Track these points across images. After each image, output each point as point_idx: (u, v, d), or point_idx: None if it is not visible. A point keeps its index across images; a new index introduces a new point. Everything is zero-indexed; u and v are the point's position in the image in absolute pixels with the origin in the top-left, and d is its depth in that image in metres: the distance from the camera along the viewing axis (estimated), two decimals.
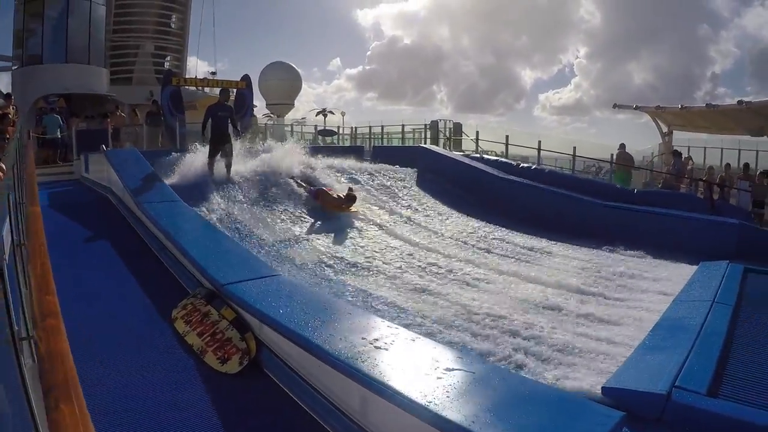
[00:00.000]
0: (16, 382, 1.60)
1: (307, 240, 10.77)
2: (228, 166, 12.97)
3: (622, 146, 19.11)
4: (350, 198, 12.81)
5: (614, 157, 19.22)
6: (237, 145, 13.79)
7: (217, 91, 18.68)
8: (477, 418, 3.18)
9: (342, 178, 15.31)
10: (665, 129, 26.00)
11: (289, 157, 14.62)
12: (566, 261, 11.30)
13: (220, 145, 12.85)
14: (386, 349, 4.09)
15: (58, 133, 18.93)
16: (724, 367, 5.66)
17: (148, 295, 6.63)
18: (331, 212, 12.50)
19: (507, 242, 12.70)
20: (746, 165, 18.79)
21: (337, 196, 12.91)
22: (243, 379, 4.82)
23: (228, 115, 13.05)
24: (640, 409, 4.85)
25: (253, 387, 4.72)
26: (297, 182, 13.63)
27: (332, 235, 11.35)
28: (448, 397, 3.41)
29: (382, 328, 4.55)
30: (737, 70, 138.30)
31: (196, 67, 40.99)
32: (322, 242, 10.83)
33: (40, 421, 1.72)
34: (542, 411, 3.35)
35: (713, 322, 6.71)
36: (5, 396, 1.54)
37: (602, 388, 5.16)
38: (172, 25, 37.60)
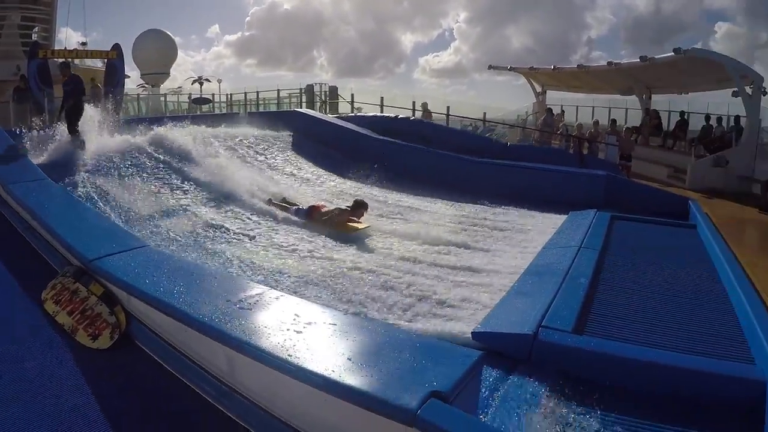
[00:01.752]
0: None
1: (182, 210, 10.44)
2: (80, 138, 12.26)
3: None
4: (359, 205, 10.60)
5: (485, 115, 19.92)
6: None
7: (87, 62, 17.91)
8: (337, 367, 3.25)
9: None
10: (539, 89, 26.90)
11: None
12: (442, 217, 11.61)
13: (74, 118, 12.20)
14: (250, 309, 4.09)
15: None
16: (589, 307, 6.00)
17: (16, 278, 6.30)
18: (337, 230, 10.07)
19: (382, 201, 12.95)
20: (613, 121, 19.98)
21: (341, 208, 10.66)
22: (115, 354, 4.72)
23: (72, 88, 12.38)
24: (509, 350, 5.08)
25: (125, 360, 4.63)
26: (275, 204, 11.43)
27: (207, 203, 11.08)
28: (308, 349, 3.46)
29: (247, 289, 4.55)
30: (612, 36, 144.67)
31: (68, 38, 39.00)
32: (198, 211, 10.56)
33: None
34: (402, 356, 3.44)
35: (579, 266, 7.08)
36: None
37: (472, 333, 5.35)
38: None
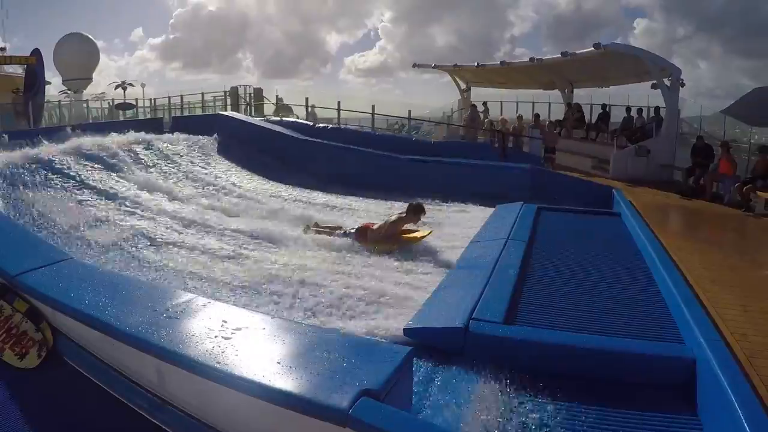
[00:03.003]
0: None
1: (108, 220, 10.22)
2: None
3: None
4: (417, 209, 9.48)
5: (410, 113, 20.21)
6: None
7: (6, 68, 17.32)
8: (266, 371, 3.26)
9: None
10: (463, 86, 27.23)
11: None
12: (368, 215, 11.70)
13: None
14: (177, 318, 4.04)
15: None
16: (519, 298, 6.15)
17: None
18: (395, 247, 9.05)
19: (308, 202, 13.11)
20: (536, 115, 20.55)
21: (393, 220, 9.40)
22: (43, 371, 4.60)
23: None
24: (442, 344, 5.18)
25: (53, 377, 4.52)
26: (315, 229, 10.16)
27: (132, 212, 10.82)
28: (237, 355, 3.45)
29: (174, 297, 4.48)
30: (534, 33, 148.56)
31: None
32: (122, 221, 10.28)
33: None
34: (332, 356, 3.48)
35: (508, 258, 7.24)
36: None
37: (403, 329, 5.42)
38: None
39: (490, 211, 10.82)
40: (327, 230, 9.99)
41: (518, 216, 9.65)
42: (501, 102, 25.52)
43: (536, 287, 6.50)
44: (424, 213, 9.61)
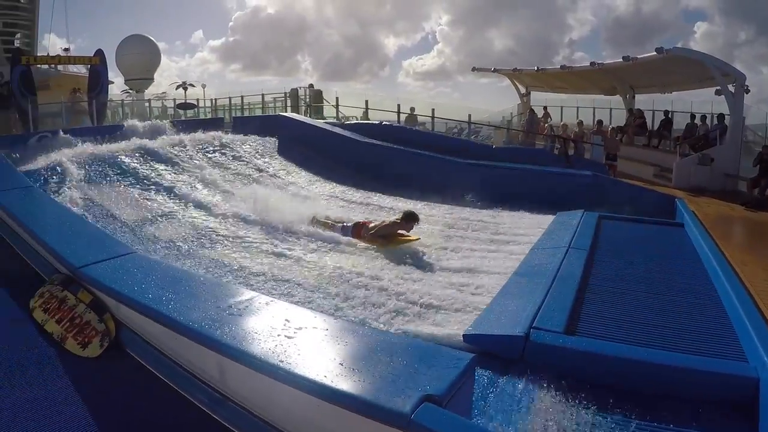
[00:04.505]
0: None
1: (171, 217, 10.45)
2: None
3: None
4: (410, 217, 9.87)
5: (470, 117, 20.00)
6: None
7: (71, 68, 17.82)
8: (329, 372, 3.23)
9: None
10: (523, 90, 26.91)
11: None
12: (431, 218, 11.62)
13: None
14: (240, 315, 4.05)
15: None
16: (580, 307, 6.02)
17: (3, 286, 6.27)
18: (386, 247, 9.51)
19: (370, 204, 13.06)
20: (600, 122, 20.09)
21: (388, 222, 10.00)
22: (105, 361, 4.66)
23: None
24: (501, 352, 5.10)
25: (115, 368, 4.58)
26: (319, 222, 10.76)
27: (196, 209, 11.07)
28: (300, 355, 3.43)
29: (237, 295, 4.51)
30: (593, 37, 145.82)
31: (52, 44, 38.86)
32: (183, 217, 10.54)
33: None
34: (395, 360, 3.43)
35: (569, 267, 7.10)
36: None
37: (463, 335, 5.37)
38: (21, 0, 35.16)
39: (550, 218, 10.65)
40: (330, 223, 10.63)
41: (579, 224, 9.48)
42: (561, 107, 25.04)
43: (597, 297, 6.35)
44: (418, 221, 9.95)
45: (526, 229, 10.48)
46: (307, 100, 25.47)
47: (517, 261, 7.96)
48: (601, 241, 8.70)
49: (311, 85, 25.85)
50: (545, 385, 4.57)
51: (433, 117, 20.44)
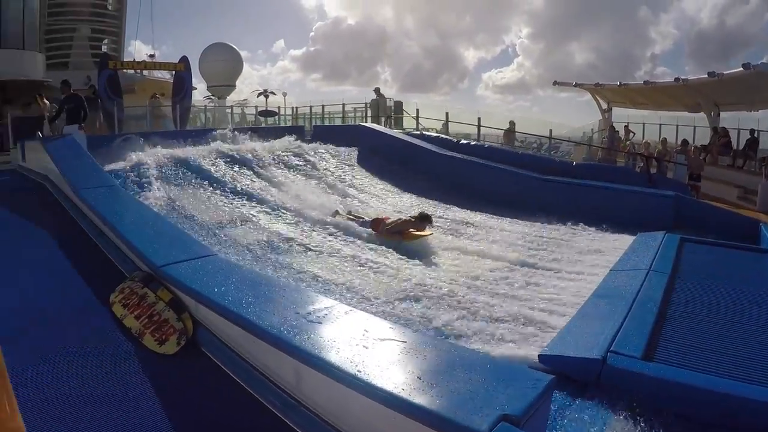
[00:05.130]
0: None
1: (248, 221, 10.69)
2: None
3: None
4: (424, 218, 10.85)
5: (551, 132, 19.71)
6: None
7: (156, 73, 18.41)
8: (407, 385, 3.20)
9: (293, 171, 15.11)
10: (605, 106, 26.48)
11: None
12: (506, 234, 11.51)
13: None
14: (319, 323, 4.07)
15: None
16: (659, 333, 5.80)
17: (86, 280, 6.50)
18: (402, 241, 10.33)
19: (447, 217, 12.94)
20: (684, 141, 19.37)
21: (404, 219, 10.92)
22: (181, 359, 4.77)
23: (76, 105, 13.40)
24: (577, 374, 4.96)
25: (190, 366, 4.68)
26: (342, 215, 11.83)
27: (273, 214, 11.29)
28: (378, 366, 3.41)
29: (316, 302, 4.54)
30: (676, 51, 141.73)
31: (137, 50, 40.30)
32: (264, 222, 10.78)
33: None
34: (473, 377, 3.37)
35: (649, 290, 6.88)
36: None
37: (539, 355, 5.25)
38: (109, 8, 36.67)
39: (630, 238, 10.37)
40: (353, 218, 11.60)
41: (660, 246, 9.18)
42: (643, 123, 24.33)
43: (678, 323, 6.12)
44: (431, 223, 10.97)
45: (605, 249, 10.24)
46: (388, 111, 25.41)
47: (596, 282, 7.79)
48: (683, 265, 8.40)
49: (377, 89, 25.93)
50: (620, 411, 4.42)
51: (513, 131, 20.26)
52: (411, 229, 10.51)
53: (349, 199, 13.73)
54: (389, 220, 10.94)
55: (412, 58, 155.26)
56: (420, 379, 3.29)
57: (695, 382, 4.70)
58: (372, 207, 13.41)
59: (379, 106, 24.83)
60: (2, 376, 2.17)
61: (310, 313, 4.22)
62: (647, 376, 4.79)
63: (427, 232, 10.58)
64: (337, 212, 11.90)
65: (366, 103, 26.08)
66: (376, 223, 10.87)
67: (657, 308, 6.29)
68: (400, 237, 10.36)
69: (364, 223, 11.10)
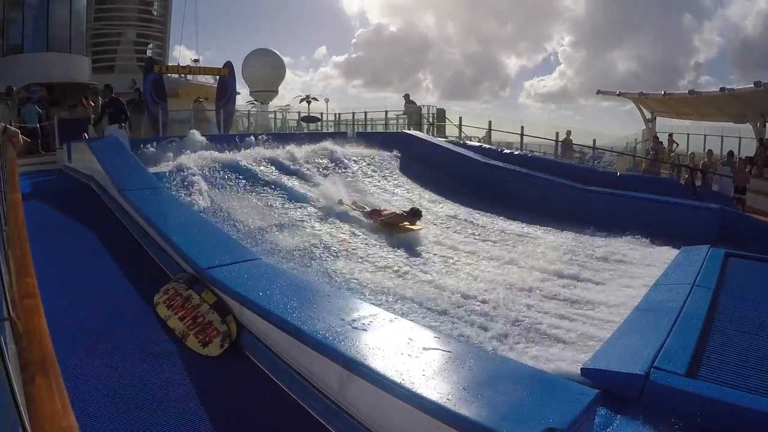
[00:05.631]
0: None
1: (292, 225, 10.82)
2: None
3: None
4: (414, 213, 11.79)
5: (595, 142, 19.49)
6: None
7: (200, 78, 18.68)
8: (452, 395, 3.21)
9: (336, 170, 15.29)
10: (648, 115, 26.12)
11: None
12: (549, 245, 11.41)
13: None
14: (365, 330, 4.10)
15: (38, 122, 18.61)
16: (703, 349, 5.70)
17: (130, 281, 6.59)
18: (395, 234, 11.29)
19: (490, 227, 12.87)
20: (730, 152, 18.96)
21: (397, 213, 12.05)
22: (224, 362, 4.81)
23: (117, 109, 13.74)
24: (619, 390, 4.90)
25: (233, 369, 4.72)
26: (346, 204, 12.74)
27: (317, 220, 11.43)
28: (423, 375, 3.43)
29: (361, 309, 4.58)
30: (720, 59, 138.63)
31: (181, 55, 40.83)
32: (308, 227, 10.90)
33: (19, 396, 1.72)
34: (518, 389, 3.37)
35: (693, 305, 6.76)
36: None
37: (581, 368, 5.20)
38: (154, 13, 37.56)
39: (674, 252, 10.21)
40: (356, 208, 12.54)
41: (705, 260, 9.00)
42: (687, 134, 23.78)
43: (723, 340, 6.00)
44: (420, 217, 11.82)
45: (648, 262, 10.11)
46: (430, 119, 25.35)
47: (639, 295, 7.69)
48: (728, 280, 8.24)
49: (407, 95, 25.90)
50: (662, 427, 4.36)
51: (557, 141, 20.09)
52: (403, 223, 11.46)
53: (395, 204, 13.80)
54: (385, 212, 12.01)
55: (453, 66, 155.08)
56: (465, 389, 3.30)
57: (740, 402, 4.61)
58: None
59: (410, 113, 24.85)
60: (54, 372, 2.20)
61: (355, 320, 4.25)
62: (691, 393, 4.70)
63: (416, 226, 11.48)
64: (341, 201, 12.75)
65: (408, 110, 26.06)
66: (374, 214, 11.95)
67: (701, 324, 6.18)
68: (391, 228, 11.31)
69: (365, 214, 12.14)
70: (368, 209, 12.36)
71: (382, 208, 12.59)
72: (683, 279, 7.93)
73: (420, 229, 11.51)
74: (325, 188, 13.43)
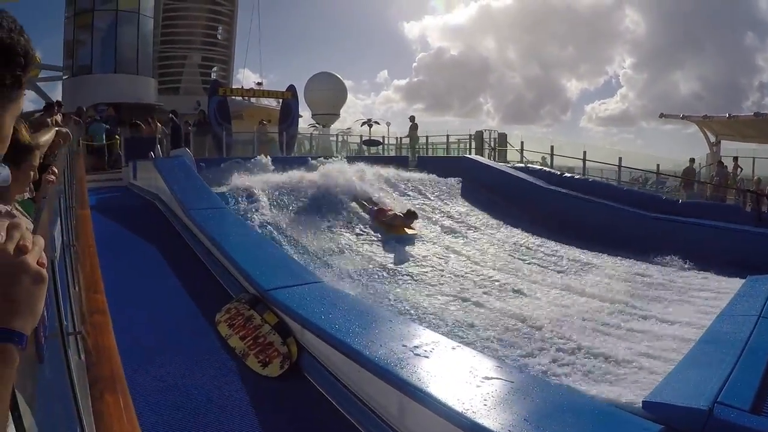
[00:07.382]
0: (63, 375, 1.67)
1: (353, 249, 10.94)
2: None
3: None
4: (410, 214, 12.47)
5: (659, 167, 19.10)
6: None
7: (263, 101, 19.07)
8: (513, 427, 3.20)
9: (394, 193, 15.42)
10: (713, 139, 25.48)
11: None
12: (611, 273, 11.26)
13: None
14: (426, 357, 4.13)
15: (104, 140, 19.19)
16: None
17: (192, 299, 6.76)
18: (389, 233, 12.19)
19: (552, 254, 12.74)
20: None
21: (396, 214, 12.67)
22: (283, 383, 4.88)
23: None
24: (680, 425, 4.78)
25: (293, 390, 4.78)
26: (360, 202, 13.50)
27: (378, 244, 11.51)
28: (485, 405, 3.43)
29: (422, 336, 4.60)
30: None
31: (245, 78, 41.85)
32: (368, 251, 11.01)
33: (85, 412, 1.79)
34: (580, 422, 3.35)
35: (759, 338, 6.57)
36: (53, 387, 1.61)
37: (643, 401, 5.11)
38: (219, 37, 38.77)
39: (739, 281, 9.92)
40: (366, 204, 13.43)
41: None
42: (753, 158, 22.88)
43: None
44: (416, 218, 12.70)
45: (713, 292, 9.87)
46: (492, 143, 25.26)
47: (702, 326, 7.52)
48: None
49: (412, 117, 25.93)
50: None
51: (620, 166, 19.76)
52: (398, 224, 12.38)
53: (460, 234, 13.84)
54: (389, 213, 12.78)
55: (514, 89, 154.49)
56: (527, 420, 3.30)
57: None
58: (477, 240, 13.46)
59: (482, 140, 24.81)
60: (122, 389, 2.30)
61: (417, 347, 4.28)
62: (755, 431, 4.58)
63: (412, 229, 12.50)
64: (355, 196, 13.67)
65: (470, 135, 26.03)
66: (380, 213, 12.79)
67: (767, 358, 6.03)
68: (390, 228, 12.27)
69: (370, 211, 13.05)
70: (375, 207, 13.16)
71: (388, 208, 13.25)
72: (749, 310, 7.71)
73: (415, 231, 12.50)
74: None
